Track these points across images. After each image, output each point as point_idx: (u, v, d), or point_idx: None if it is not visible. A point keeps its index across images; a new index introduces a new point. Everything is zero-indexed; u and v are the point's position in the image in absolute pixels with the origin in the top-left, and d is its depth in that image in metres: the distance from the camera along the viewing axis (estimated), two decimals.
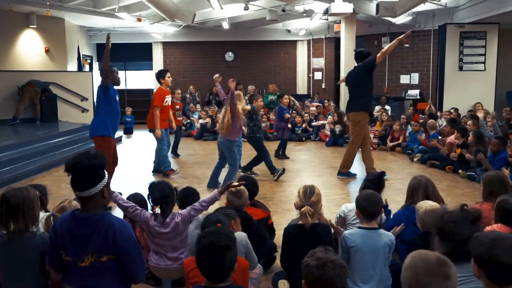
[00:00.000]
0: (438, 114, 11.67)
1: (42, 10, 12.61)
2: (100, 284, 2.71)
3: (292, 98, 14.91)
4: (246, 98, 9.22)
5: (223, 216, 3.45)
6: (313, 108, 13.76)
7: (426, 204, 3.60)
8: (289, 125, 10.29)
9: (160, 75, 8.49)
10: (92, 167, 2.64)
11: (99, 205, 2.68)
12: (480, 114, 8.01)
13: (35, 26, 13.55)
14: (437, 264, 2.00)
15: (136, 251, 2.75)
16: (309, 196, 3.65)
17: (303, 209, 3.56)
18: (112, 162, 6.34)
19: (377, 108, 13.34)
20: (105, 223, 2.64)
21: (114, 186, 6.89)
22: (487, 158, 7.34)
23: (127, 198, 3.90)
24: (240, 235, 3.46)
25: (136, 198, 4.07)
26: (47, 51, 14.17)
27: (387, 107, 13.57)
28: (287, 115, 9.88)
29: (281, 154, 9.89)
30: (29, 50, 13.89)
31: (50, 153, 9.38)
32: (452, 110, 11.33)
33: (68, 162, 2.67)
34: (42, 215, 3.63)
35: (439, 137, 9.37)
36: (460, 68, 12.90)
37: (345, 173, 8.10)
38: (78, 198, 2.70)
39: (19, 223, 2.88)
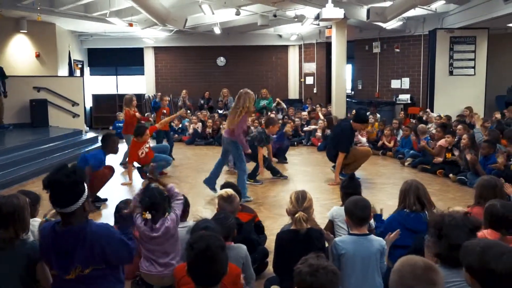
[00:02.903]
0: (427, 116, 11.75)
1: (33, 15, 12.54)
2: None
3: (279, 101, 15.05)
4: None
5: (226, 226, 3.43)
6: (305, 113, 13.79)
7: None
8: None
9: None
10: (73, 184, 2.62)
11: (81, 218, 2.67)
12: (477, 124, 8.09)
13: (26, 31, 13.49)
14: (423, 269, 2.01)
15: (123, 245, 2.76)
16: (301, 201, 3.64)
17: (297, 215, 3.54)
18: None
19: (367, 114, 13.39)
20: (87, 234, 2.63)
21: (106, 191, 6.89)
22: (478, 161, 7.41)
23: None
24: (240, 247, 3.44)
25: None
26: (37, 56, 14.10)
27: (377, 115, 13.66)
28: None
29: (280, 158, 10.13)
30: (20, 55, 13.81)
31: (41, 159, 9.32)
32: (442, 115, 11.38)
33: (46, 180, 2.63)
34: (31, 221, 3.61)
35: (430, 141, 9.43)
36: (450, 73, 13.01)
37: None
38: (58, 213, 2.69)
39: (10, 231, 2.85)
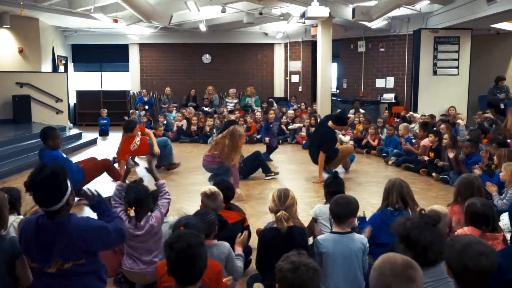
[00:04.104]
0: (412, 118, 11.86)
1: (16, 10, 12.40)
2: None
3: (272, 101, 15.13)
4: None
5: (206, 222, 3.41)
6: (291, 112, 13.80)
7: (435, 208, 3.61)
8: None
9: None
10: (56, 185, 2.61)
11: (65, 213, 2.67)
12: (461, 123, 8.18)
13: (9, 26, 13.31)
14: (402, 266, 2.03)
15: (105, 232, 2.76)
16: (283, 200, 3.65)
17: (278, 214, 3.55)
18: None
19: (351, 111, 13.47)
20: (68, 227, 2.62)
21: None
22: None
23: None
24: (222, 244, 3.43)
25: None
26: (21, 51, 13.93)
27: (361, 110, 13.75)
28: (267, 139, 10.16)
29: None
30: (2, 50, 13.63)
31: (23, 155, 9.22)
32: (427, 115, 11.47)
33: (27, 182, 2.61)
34: (14, 218, 3.58)
35: (413, 140, 9.53)
36: (434, 73, 13.12)
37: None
38: (44, 211, 2.67)
39: None
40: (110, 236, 2.78)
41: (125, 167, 4.67)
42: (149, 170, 4.03)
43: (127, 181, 3.95)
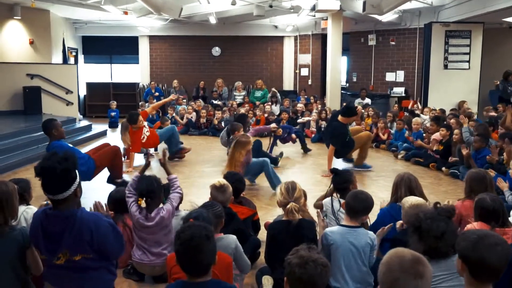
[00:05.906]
0: (423, 110, 11.80)
1: (27, 1, 12.45)
2: (78, 283, 2.71)
3: (274, 90, 15.03)
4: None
5: (212, 214, 3.41)
6: (300, 105, 13.77)
7: (411, 199, 3.61)
8: (293, 136, 10.28)
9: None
10: (66, 171, 2.61)
11: (72, 204, 2.67)
12: (464, 124, 8.13)
13: (20, 18, 13.37)
14: (411, 261, 2.03)
15: (115, 236, 2.78)
16: (292, 192, 3.66)
17: (288, 206, 3.55)
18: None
19: (357, 101, 13.38)
20: (77, 220, 2.62)
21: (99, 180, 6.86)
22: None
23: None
24: (229, 237, 3.43)
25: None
26: (31, 42, 13.99)
27: (367, 99, 13.74)
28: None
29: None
30: (13, 41, 13.71)
31: (33, 146, 9.28)
32: (437, 109, 11.40)
33: (38, 166, 2.62)
34: (24, 208, 3.61)
35: (423, 134, 9.49)
36: (445, 67, 13.01)
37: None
38: (50, 200, 2.68)
39: None
40: (115, 241, 2.79)
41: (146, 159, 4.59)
42: (162, 163, 4.04)
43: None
